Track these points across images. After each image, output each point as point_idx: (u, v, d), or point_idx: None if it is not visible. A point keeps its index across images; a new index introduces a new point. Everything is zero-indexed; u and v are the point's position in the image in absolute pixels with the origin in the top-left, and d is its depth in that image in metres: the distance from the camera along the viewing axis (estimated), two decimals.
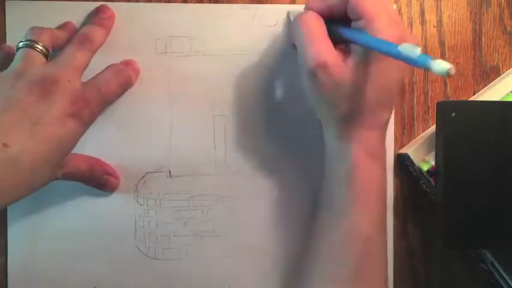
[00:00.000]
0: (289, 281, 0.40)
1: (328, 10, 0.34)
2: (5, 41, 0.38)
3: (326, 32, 0.33)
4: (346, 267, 0.33)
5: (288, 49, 0.40)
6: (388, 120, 0.35)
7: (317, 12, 0.34)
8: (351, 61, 0.33)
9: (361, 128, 0.34)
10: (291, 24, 0.35)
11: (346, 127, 0.34)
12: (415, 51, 0.28)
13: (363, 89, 0.32)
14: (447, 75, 0.26)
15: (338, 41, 0.33)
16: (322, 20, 0.34)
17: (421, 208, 0.41)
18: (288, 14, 0.39)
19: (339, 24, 0.34)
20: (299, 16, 0.34)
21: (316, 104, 0.35)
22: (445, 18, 0.41)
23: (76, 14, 0.38)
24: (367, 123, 0.34)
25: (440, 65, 0.26)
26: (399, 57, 0.28)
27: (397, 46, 0.28)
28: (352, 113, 0.33)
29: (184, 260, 0.40)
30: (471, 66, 0.41)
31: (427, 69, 0.27)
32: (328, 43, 0.33)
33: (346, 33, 0.33)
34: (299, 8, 0.39)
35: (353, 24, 0.33)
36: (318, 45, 0.32)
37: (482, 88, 0.41)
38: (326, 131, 0.36)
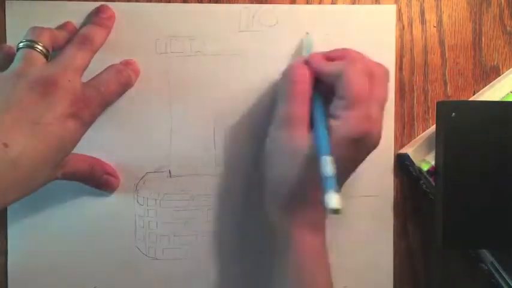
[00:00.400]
0: None
1: (321, 73, 0.34)
2: (5, 41, 0.38)
3: (309, 96, 0.34)
4: None
5: (288, 49, 0.40)
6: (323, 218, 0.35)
7: (313, 69, 0.35)
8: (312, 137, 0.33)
9: (302, 200, 0.34)
10: (283, 73, 0.36)
11: (287, 195, 0.34)
12: (327, 170, 0.30)
13: (313, 166, 0.32)
14: (333, 212, 0.28)
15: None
16: (310, 83, 0.34)
17: (421, 208, 0.41)
18: (307, 35, 0.39)
19: (320, 95, 0.35)
20: (294, 70, 0.35)
21: (269, 160, 0.35)
22: (445, 18, 0.41)
23: (76, 14, 0.38)
24: (309, 197, 0.34)
25: (332, 200, 0.28)
26: (319, 163, 0.30)
27: (325, 155, 0.30)
28: (297, 182, 0.33)
29: (184, 260, 0.40)
30: (471, 66, 0.41)
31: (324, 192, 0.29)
32: (305, 108, 0.34)
33: (316, 109, 0.34)
34: (294, 9, 0.39)
35: (334, 100, 0.33)
36: (297, 106, 0.34)
37: (482, 88, 0.41)
38: (268, 194, 0.36)
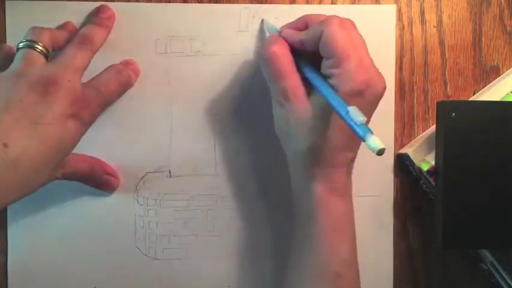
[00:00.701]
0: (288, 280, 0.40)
1: (300, 43, 0.34)
2: (5, 41, 0.38)
3: (293, 65, 0.34)
4: None
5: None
6: (352, 159, 0.35)
7: (289, 44, 0.35)
8: (315, 99, 0.33)
9: (323, 166, 0.33)
10: (259, 58, 0.35)
11: (308, 164, 0.34)
12: (359, 119, 0.28)
13: (324, 129, 0.32)
14: (379, 153, 0.27)
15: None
16: (289, 53, 0.34)
17: (421, 208, 0.41)
18: (262, 22, 0.39)
19: (308, 62, 0.34)
20: (267, 50, 0.34)
21: (281, 136, 0.35)
22: (445, 18, 0.41)
23: (76, 14, 0.38)
24: (329, 161, 0.33)
25: (374, 142, 0.27)
26: (345, 118, 0.29)
27: (347, 108, 0.29)
28: (313, 150, 0.33)
29: (184, 260, 0.40)
30: (471, 66, 0.41)
31: (362, 140, 0.28)
32: (294, 77, 0.33)
33: (310, 76, 0.33)
34: (294, 9, 0.39)
35: (323, 62, 0.33)
36: (285, 79, 0.33)
37: (482, 88, 0.41)
38: (290, 167, 0.36)
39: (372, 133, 0.28)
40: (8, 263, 0.39)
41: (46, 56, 0.34)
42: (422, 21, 0.41)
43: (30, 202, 0.38)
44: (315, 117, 0.33)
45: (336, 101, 0.30)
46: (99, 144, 0.39)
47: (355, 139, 0.34)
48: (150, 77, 0.39)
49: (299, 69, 0.34)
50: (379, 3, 0.40)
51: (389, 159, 0.41)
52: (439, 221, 0.37)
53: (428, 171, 0.38)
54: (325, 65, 0.33)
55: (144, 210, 0.39)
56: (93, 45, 0.35)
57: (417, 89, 0.41)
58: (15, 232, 0.39)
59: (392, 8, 0.40)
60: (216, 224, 0.40)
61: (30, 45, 0.33)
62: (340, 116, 0.30)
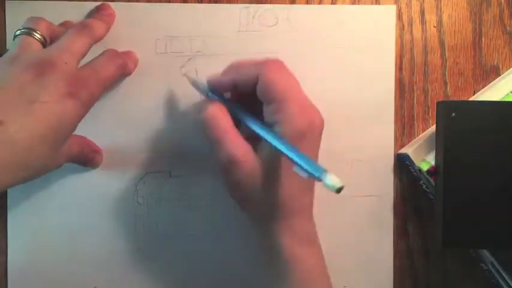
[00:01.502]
0: None
1: (233, 86, 0.33)
2: (5, 40, 0.38)
3: (232, 125, 0.32)
4: None
5: (288, 49, 0.40)
6: (310, 202, 0.34)
7: (223, 87, 0.34)
8: (262, 152, 0.32)
9: (284, 217, 0.33)
10: (198, 121, 0.33)
11: (269, 219, 0.33)
12: (313, 161, 0.29)
13: (277, 180, 0.32)
14: (337, 191, 0.27)
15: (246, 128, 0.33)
16: (226, 112, 0.33)
17: (421, 208, 0.41)
18: (185, 75, 0.38)
19: (247, 112, 0.33)
20: (203, 113, 0.33)
21: (237, 200, 0.34)
22: (445, 18, 0.41)
23: (76, 14, 0.38)
24: (289, 211, 0.33)
25: (332, 181, 0.27)
26: (298, 163, 0.29)
27: (298, 152, 0.29)
28: (271, 204, 0.32)
29: (184, 260, 0.40)
30: (471, 66, 0.41)
31: (319, 181, 0.28)
32: (237, 138, 0.32)
33: (254, 128, 0.32)
34: (294, 9, 0.39)
35: (264, 109, 0.33)
36: (228, 142, 0.32)
37: (482, 88, 0.41)
38: (253, 226, 0.35)
39: (327, 171, 0.28)
40: (8, 263, 0.39)
41: (43, 44, 0.33)
42: (422, 21, 0.41)
43: (31, 202, 0.38)
44: (265, 172, 0.32)
45: (285, 148, 0.30)
46: (99, 144, 0.39)
47: (309, 182, 0.33)
48: (150, 77, 0.39)
49: (240, 123, 0.33)
50: (379, 3, 0.40)
51: (389, 159, 0.41)
52: (439, 221, 0.37)
53: (428, 171, 0.38)
54: (267, 111, 0.32)
55: (144, 210, 0.39)
56: (92, 33, 0.35)
57: (417, 89, 0.41)
58: (15, 232, 0.39)
59: (392, 8, 0.40)
60: (216, 224, 0.40)
61: (28, 32, 0.33)
62: (293, 162, 0.29)
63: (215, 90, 0.34)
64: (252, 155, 0.32)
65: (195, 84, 0.37)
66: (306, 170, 0.29)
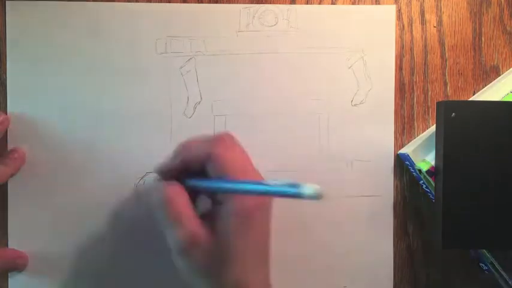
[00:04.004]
0: (288, 280, 0.40)
1: (182, 168, 0.33)
2: (5, 41, 0.38)
3: (189, 204, 0.32)
4: None
5: (288, 49, 0.40)
6: (265, 276, 0.34)
7: (173, 171, 0.33)
8: (220, 228, 0.32)
9: None
10: (154, 203, 0.32)
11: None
12: (283, 181, 0.28)
13: (234, 256, 0.31)
14: (318, 197, 0.27)
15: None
16: (183, 190, 0.32)
17: (421, 208, 0.41)
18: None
19: (207, 179, 0.33)
20: (160, 194, 0.32)
21: (195, 281, 0.33)
22: (445, 18, 0.41)
23: (76, 14, 0.38)
24: (255, 283, 0.32)
25: (309, 188, 0.27)
26: (271, 191, 0.29)
27: (266, 181, 0.29)
28: (228, 281, 0.32)
29: None
30: (471, 66, 0.41)
31: (299, 196, 0.27)
32: (194, 218, 0.31)
33: (211, 189, 0.32)
34: (294, 9, 0.39)
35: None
36: (187, 223, 0.31)
37: (482, 88, 0.41)
38: None
39: (301, 184, 0.28)
40: None
41: None
42: (422, 21, 0.41)
43: (31, 203, 0.38)
44: (222, 250, 0.31)
45: (252, 186, 0.30)
46: (99, 144, 0.39)
47: (263, 256, 0.33)
48: (150, 77, 0.39)
49: (194, 202, 0.33)
50: (379, 3, 0.40)
51: (389, 159, 0.41)
52: (439, 221, 0.37)
53: (428, 171, 0.38)
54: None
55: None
56: None
57: (417, 89, 0.41)
58: (15, 232, 0.39)
59: (392, 8, 0.40)
60: None
61: None
62: (263, 192, 0.29)
63: (166, 177, 0.34)
64: (209, 233, 0.31)
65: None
66: (286, 195, 0.28)
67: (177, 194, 0.32)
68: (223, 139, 0.33)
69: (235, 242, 0.31)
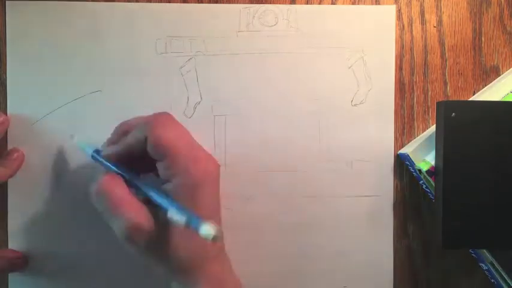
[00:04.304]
0: (288, 280, 0.40)
1: (126, 152, 0.33)
2: (5, 41, 0.38)
3: (127, 191, 0.32)
4: None
5: (288, 49, 0.40)
6: (221, 247, 0.34)
7: (115, 157, 0.34)
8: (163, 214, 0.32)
9: (197, 268, 0.33)
10: (92, 194, 0.33)
11: (183, 273, 0.33)
12: (180, 217, 0.29)
13: (185, 233, 0.31)
14: (213, 239, 0.27)
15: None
16: (120, 179, 0.33)
17: (421, 208, 0.41)
18: (72, 137, 0.38)
19: (132, 175, 0.33)
20: (97, 184, 0.32)
21: (148, 264, 0.34)
22: (445, 18, 0.41)
23: (76, 14, 0.38)
24: (204, 259, 0.33)
25: (206, 230, 0.28)
26: (182, 223, 0.29)
27: (168, 213, 0.30)
28: (181, 259, 0.32)
29: None
30: (471, 66, 0.41)
31: (197, 231, 0.28)
32: (135, 204, 0.32)
33: (146, 191, 0.32)
34: (294, 9, 0.39)
35: (158, 165, 0.33)
36: (126, 210, 0.31)
37: (482, 88, 0.41)
38: (172, 284, 0.35)
39: (203, 221, 0.28)
40: None
41: None
42: (422, 21, 0.41)
43: (31, 203, 0.38)
44: (169, 230, 0.32)
45: (163, 203, 0.31)
46: (99, 144, 0.39)
47: (216, 219, 0.34)
48: (150, 77, 0.39)
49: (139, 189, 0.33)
50: (379, 3, 0.40)
51: (389, 159, 0.41)
52: (439, 221, 0.37)
53: (428, 171, 0.38)
54: (160, 168, 0.33)
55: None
56: None
57: (417, 89, 0.41)
58: (15, 232, 0.39)
59: (392, 8, 0.40)
60: None
61: None
62: (178, 223, 0.30)
63: (109, 161, 0.34)
64: (150, 217, 0.32)
65: (82, 146, 0.37)
66: (187, 226, 0.29)
67: (114, 183, 0.32)
68: (158, 118, 0.33)
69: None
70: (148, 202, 0.32)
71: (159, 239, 0.32)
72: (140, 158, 0.33)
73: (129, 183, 0.33)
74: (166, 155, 0.32)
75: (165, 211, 0.30)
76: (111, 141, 0.35)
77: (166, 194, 0.32)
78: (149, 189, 0.32)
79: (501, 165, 0.36)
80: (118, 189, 0.32)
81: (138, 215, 0.31)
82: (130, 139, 0.33)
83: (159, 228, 0.32)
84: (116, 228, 0.31)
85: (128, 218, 0.31)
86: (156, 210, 0.32)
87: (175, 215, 0.29)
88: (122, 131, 0.35)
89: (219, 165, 0.34)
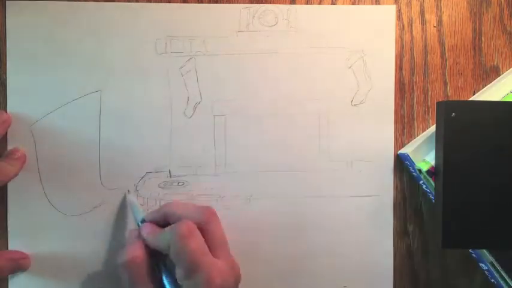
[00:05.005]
0: (288, 281, 0.40)
1: (154, 248, 0.35)
2: (5, 41, 0.38)
3: (149, 274, 0.34)
4: None
5: (288, 49, 0.40)
6: None
7: (145, 244, 0.35)
8: None
9: None
10: (118, 261, 0.35)
11: None
12: None
13: None
14: None
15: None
16: (145, 259, 0.34)
17: (421, 208, 0.41)
18: (127, 194, 0.39)
19: (165, 266, 0.35)
20: (125, 257, 0.34)
21: None
22: (445, 18, 0.41)
23: (76, 14, 0.38)
24: None
25: None
26: None
27: None
28: None
29: None
30: (471, 66, 0.41)
31: None
32: (148, 284, 0.34)
33: (165, 283, 0.34)
34: (294, 9, 0.39)
35: (176, 270, 0.33)
36: None
37: (482, 88, 0.41)
38: None
39: None
40: None
41: None
42: (422, 21, 0.41)
43: (31, 202, 0.38)
44: None
45: None
46: (99, 144, 0.39)
47: None
48: (150, 77, 0.39)
49: (160, 272, 0.35)
50: (379, 3, 0.40)
51: (389, 159, 0.41)
52: (439, 221, 0.37)
53: (428, 171, 0.38)
54: (178, 274, 0.33)
55: (144, 211, 0.39)
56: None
57: (417, 89, 0.41)
58: (15, 232, 0.39)
59: (392, 8, 0.40)
60: None
61: None
62: None
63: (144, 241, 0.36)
64: None
65: (132, 206, 0.38)
66: None
67: (136, 258, 0.34)
68: (183, 227, 0.33)
69: None
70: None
71: None
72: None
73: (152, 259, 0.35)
74: (184, 266, 0.32)
75: None
76: (152, 218, 0.37)
77: None
78: (167, 281, 0.35)
79: (501, 165, 0.36)
80: (140, 269, 0.34)
81: None
82: (158, 241, 0.34)
83: None
84: None
85: None
86: None
87: None
88: (163, 214, 0.36)
89: (239, 277, 0.35)
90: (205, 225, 0.35)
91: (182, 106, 0.39)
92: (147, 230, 0.36)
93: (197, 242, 0.33)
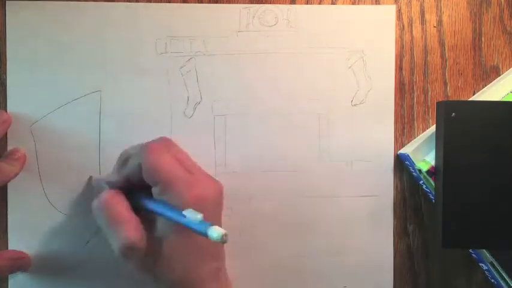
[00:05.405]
0: (288, 280, 0.40)
1: (125, 180, 0.34)
2: (5, 41, 0.38)
3: (128, 208, 0.33)
4: None
5: (288, 49, 0.40)
6: (219, 268, 0.34)
7: (116, 185, 0.34)
8: (160, 230, 0.32)
9: (195, 285, 0.33)
10: (93, 210, 0.34)
11: None
12: (196, 217, 0.29)
13: (181, 252, 0.32)
14: (223, 241, 0.28)
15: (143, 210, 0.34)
16: (121, 196, 0.33)
17: (421, 208, 0.41)
18: (90, 178, 0.39)
19: (141, 194, 0.34)
20: (98, 200, 0.33)
21: (144, 281, 0.34)
22: (445, 18, 0.41)
23: (76, 14, 0.38)
24: (194, 280, 0.33)
25: (215, 232, 0.28)
26: (185, 224, 0.30)
27: (182, 213, 0.30)
28: (176, 278, 0.33)
29: None
30: (471, 66, 0.41)
31: (205, 236, 0.29)
32: (131, 222, 0.32)
33: (146, 205, 0.33)
34: (294, 8, 0.39)
35: (153, 190, 0.33)
36: (122, 228, 0.32)
37: (482, 88, 0.41)
38: None
39: (211, 225, 0.29)
40: None
41: None
42: (422, 21, 0.41)
43: (31, 202, 0.38)
44: (163, 250, 0.32)
45: (172, 213, 0.31)
46: (99, 144, 0.39)
47: (215, 248, 0.34)
48: (150, 77, 0.39)
49: (139, 204, 0.34)
50: (379, 3, 0.40)
51: (389, 159, 0.41)
52: (439, 221, 0.37)
53: (428, 171, 0.38)
54: (155, 193, 0.33)
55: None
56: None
57: (417, 89, 0.41)
58: (15, 232, 0.39)
59: (392, 8, 0.40)
60: None
61: None
62: (181, 223, 0.30)
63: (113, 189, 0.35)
64: (145, 236, 0.32)
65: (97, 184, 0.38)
66: (190, 228, 0.30)
67: (114, 200, 0.33)
68: (151, 145, 0.33)
69: (172, 243, 0.32)
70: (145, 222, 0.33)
71: (154, 257, 0.32)
72: (141, 185, 0.34)
73: (132, 198, 0.34)
74: (159, 181, 0.32)
75: (162, 228, 0.32)
76: (115, 170, 0.36)
77: (162, 204, 0.32)
78: (150, 201, 0.33)
79: (501, 165, 0.36)
80: (117, 206, 0.33)
81: (134, 234, 0.31)
82: (128, 168, 0.34)
83: (154, 246, 0.32)
84: (112, 242, 0.32)
85: (123, 236, 0.31)
86: (152, 229, 0.32)
87: (190, 215, 0.30)
88: (122, 160, 0.35)
89: (220, 188, 0.34)
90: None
91: (182, 106, 0.39)
92: (112, 175, 0.35)
93: (167, 155, 0.33)
